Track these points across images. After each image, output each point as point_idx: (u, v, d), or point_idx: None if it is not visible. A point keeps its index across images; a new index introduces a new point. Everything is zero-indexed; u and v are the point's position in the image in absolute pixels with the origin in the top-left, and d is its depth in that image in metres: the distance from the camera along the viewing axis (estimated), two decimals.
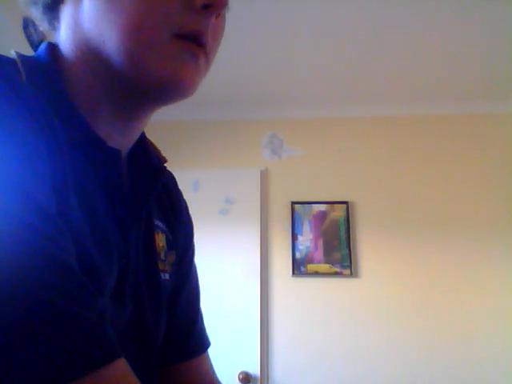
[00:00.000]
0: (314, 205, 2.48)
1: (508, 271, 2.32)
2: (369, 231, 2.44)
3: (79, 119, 0.42)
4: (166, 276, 0.55)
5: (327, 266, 2.39)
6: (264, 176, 2.57)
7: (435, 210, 2.44)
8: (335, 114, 2.64)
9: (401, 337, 2.28)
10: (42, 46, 0.47)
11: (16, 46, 0.45)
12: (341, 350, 2.29)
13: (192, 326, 0.62)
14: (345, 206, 2.46)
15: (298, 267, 2.40)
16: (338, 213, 2.46)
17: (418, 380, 2.23)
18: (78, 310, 0.28)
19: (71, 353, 0.27)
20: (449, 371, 2.22)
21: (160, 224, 0.56)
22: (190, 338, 0.61)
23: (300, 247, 2.43)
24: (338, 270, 2.38)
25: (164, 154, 0.58)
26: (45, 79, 0.43)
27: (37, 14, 0.47)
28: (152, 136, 0.58)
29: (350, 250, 2.39)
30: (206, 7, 0.42)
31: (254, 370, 2.26)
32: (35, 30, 0.50)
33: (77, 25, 0.44)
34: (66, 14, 0.45)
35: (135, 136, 0.50)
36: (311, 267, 2.39)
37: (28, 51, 0.47)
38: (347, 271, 2.37)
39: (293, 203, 2.49)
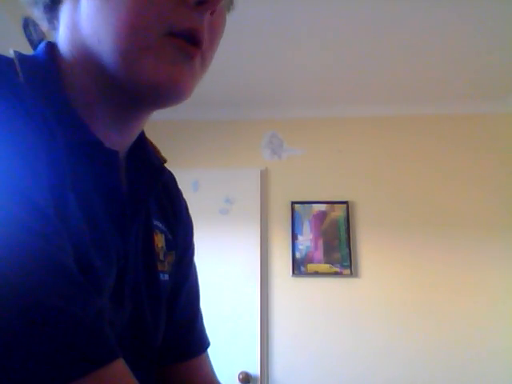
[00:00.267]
0: (313, 205, 2.48)
1: (508, 271, 2.32)
2: (369, 231, 2.44)
3: (76, 120, 0.42)
4: (166, 276, 0.55)
5: (327, 265, 2.39)
6: (264, 176, 2.57)
7: (435, 209, 2.44)
8: (335, 114, 2.64)
9: (401, 337, 2.28)
10: (41, 46, 0.46)
11: (16, 46, 0.45)
12: (341, 350, 2.29)
13: (191, 326, 0.62)
14: (345, 206, 2.46)
15: (298, 267, 2.40)
16: (338, 213, 2.46)
17: (418, 380, 2.23)
18: (77, 311, 0.28)
19: (70, 353, 0.27)
20: (449, 371, 2.22)
21: (159, 224, 0.56)
22: (189, 338, 0.61)
23: (300, 247, 2.43)
24: (338, 269, 2.38)
25: (164, 154, 0.58)
26: (43, 79, 0.42)
27: (38, 14, 0.47)
28: (152, 136, 0.58)
29: (350, 250, 2.39)
30: (199, 3, 0.41)
31: (254, 370, 2.26)
32: (35, 29, 0.50)
33: (74, 24, 0.43)
34: (64, 13, 0.45)
35: (133, 136, 0.50)
36: (311, 267, 2.39)
37: (28, 51, 0.47)
38: (347, 271, 2.37)
39: (293, 203, 2.49)
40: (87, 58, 0.43)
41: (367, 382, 2.24)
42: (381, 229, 2.44)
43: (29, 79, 0.40)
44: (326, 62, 2.21)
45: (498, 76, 2.31)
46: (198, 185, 2.52)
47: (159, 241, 0.55)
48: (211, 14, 0.42)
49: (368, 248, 2.42)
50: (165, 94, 0.42)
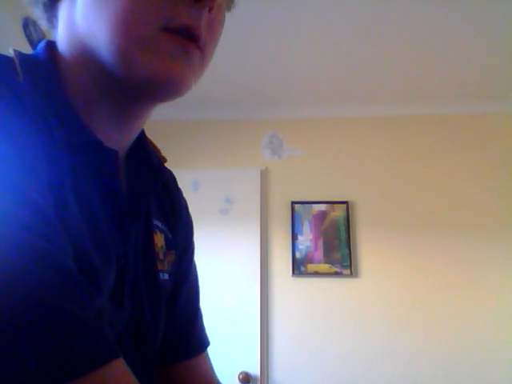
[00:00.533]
0: (313, 205, 2.48)
1: (508, 271, 2.32)
2: (369, 231, 2.44)
3: (76, 119, 0.42)
4: (165, 276, 0.55)
5: (327, 265, 2.39)
6: (264, 176, 2.57)
7: (435, 209, 2.44)
8: (335, 114, 2.64)
9: (400, 336, 2.28)
10: (41, 45, 0.46)
11: (16, 46, 0.45)
12: (341, 350, 2.29)
13: (191, 325, 0.62)
14: (345, 206, 2.46)
15: (298, 267, 2.40)
16: (338, 213, 2.46)
17: (418, 379, 2.23)
18: (76, 311, 0.28)
19: (69, 353, 0.27)
20: (449, 371, 2.22)
21: (159, 224, 0.56)
22: (189, 337, 0.61)
23: (300, 247, 2.43)
24: (337, 270, 2.38)
25: (164, 153, 0.58)
26: (42, 78, 0.42)
27: (38, 13, 0.47)
28: (152, 136, 0.58)
29: (349, 250, 2.39)
30: (197, 0, 0.41)
31: (254, 370, 2.25)
32: (35, 29, 0.50)
33: (71, 22, 0.43)
34: (63, 11, 0.45)
35: (133, 135, 0.50)
36: (311, 267, 2.39)
37: (28, 50, 0.47)
38: (347, 271, 2.37)
39: (293, 203, 2.49)
40: (85, 56, 0.43)
41: (367, 381, 2.24)
42: (381, 229, 2.44)
43: (29, 79, 0.40)
44: (326, 62, 2.21)
45: (498, 76, 2.31)
46: (198, 185, 2.52)
47: (159, 240, 0.55)
48: (209, 10, 0.42)
49: (368, 248, 2.42)
50: (162, 88, 0.42)
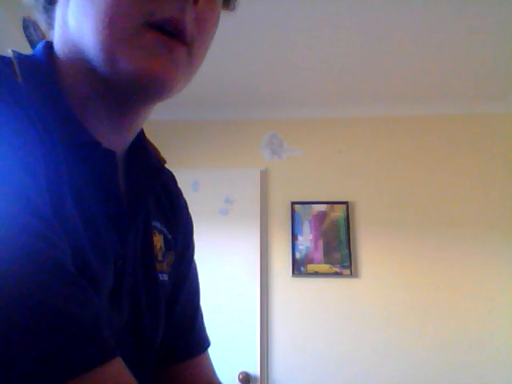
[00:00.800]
0: (313, 205, 2.48)
1: (509, 271, 2.32)
2: (369, 231, 2.44)
3: (74, 120, 0.42)
4: (165, 277, 0.54)
5: (327, 266, 2.39)
6: (264, 176, 2.57)
7: (435, 209, 2.44)
8: (335, 114, 2.64)
9: (400, 337, 2.28)
10: (39, 45, 0.47)
11: (16, 46, 0.45)
12: (341, 350, 2.29)
13: (191, 326, 0.61)
14: (345, 206, 2.46)
15: (298, 267, 2.40)
16: (338, 213, 2.46)
17: (418, 379, 2.22)
18: (74, 310, 0.29)
19: (67, 352, 0.27)
20: (449, 371, 2.22)
21: (158, 225, 0.56)
22: (189, 338, 0.61)
23: (300, 247, 2.43)
24: (337, 270, 2.38)
25: (164, 154, 0.58)
26: (40, 79, 0.42)
27: (37, 14, 0.47)
28: (152, 136, 0.58)
29: (349, 250, 2.39)
30: None
31: (254, 370, 2.25)
32: (35, 30, 0.50)
33: (65, 22, 0.44)
34: (58, 12, 0.45)
35: (130, 136, 0.50)
36: (311, 267, 2.39)
37: (28, 50, 0.47)
38: (347, 271, 2.37)
39: (293, 203, 2.49)
40: (76, 55, 0.43)
41: (367, 381, 2.24)
42: (381, 229, 2.44)
43: (27, 80, 0.40)
44: (326, 62, 2.21)
45: (497, 76, 2.31)
46: (198, 185, 2.52)
47: (158, 241, 0.54)
48: (194, 3, 0.41)
49: (368, 248, 2.42)
50: (146, 86, 0.41)
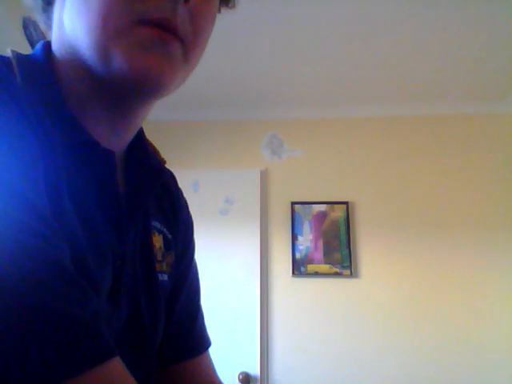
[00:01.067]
0: (313, 205, 2.48)
1: (508, 272, 2.32)
2: (369, 231, 2.44)
3: (72, 120, 0.42)
4: (164, 277, 0.54)
5: (327, 266, 2.39)
6: (264, 176, 2.57)
7: (435, 210, 2.44)
8: (335, 114, 2.64)
9: (400, 337, 2.28)
10: (38, 45, 0.47)
11: (15, 46, 0.45)
12: (341, 350, 2.29)
13: (192, 326, 0.61)
14: (345, 206, 2.46)
15: (298, 267, 2.40)
16: (338, 213, 2.46)
17: (418, 379, 2.22)
18: (72, 310, 0.29)
19: (66, 352, 0.27)
20: (449, 371, 2.22)
21: (157, 225, 0.55)
22: (189, 337, 0.61)
23: (300, 247, 2.43)
24: (337, 270, 2.37)
25: (164, 154, 0.58)
26: (39, 79, 0.42)
27: (36, 15, 0.47)
28: (152, 136, 0.58)
29: (349, 251, 2.39)
30: None
31: (254, 370, 2.25)
32: (35, 30, 0.50)
33: (61, 23, 0.44)
34: (55, 12, 0.45)
35: (129, 136, 0.50)
36: (311, 267, 2.39)
37: (28, 50, 0.48)
38: (347, 271, 2.36)
39: (293, 203, 2.49)
40: (72, 56, 0.43)
41: (367, 381, 2.24)
42: (381, 229, 2.44)
43: (26, 80, 0.40)
44: (326, 62, 2.21)
45: (497, 76, 2.31)
46: (198, 185, 2.52)
47: (157, 241, 0.54)
48: (186, 1, 0.40)
49: (368, 248, 2.41)
50: (141, 83, 0.40)
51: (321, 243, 2.43)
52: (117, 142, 0.48)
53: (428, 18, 1.87)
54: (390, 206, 2.47)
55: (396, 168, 2.53)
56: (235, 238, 2.44)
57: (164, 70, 0.40)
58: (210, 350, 0.63)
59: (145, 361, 0.50)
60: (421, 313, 2.30)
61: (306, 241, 2.44)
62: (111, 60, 0.39)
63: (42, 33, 0.50)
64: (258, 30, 1.96)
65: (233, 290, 2.36)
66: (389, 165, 2.54)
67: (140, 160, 0.52)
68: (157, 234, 0.55)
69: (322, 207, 2.48)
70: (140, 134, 0.53)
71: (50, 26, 0.47)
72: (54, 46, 0.45)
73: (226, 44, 1.98)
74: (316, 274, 2.39)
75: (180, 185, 0.65)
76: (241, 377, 2.22)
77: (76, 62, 0.43)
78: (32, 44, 0.50)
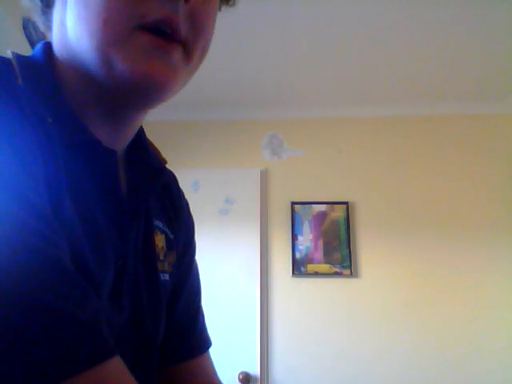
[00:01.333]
0: (313, 205, 2.48)
1: (508, 272, 2.32)
2: (369, 231, 2.44)
3: (74, 120, 0.42)
4: (166, 276, 0.54)
5: (327, 266, 2.39)
6: (264, 176, 2.57)
7: (435, 210, 2.44)
8: (335, 115, 2.64)
9: (400, 337, 2.28)
10: (38, 46, 0.47)
11: (15, 46, 0.45)
12: (341, 350, 2.29)
13: (192, 326, 0.61)
14: (345, 206, 2.46)
15: (298, 267, 2.40)
16: (338, 213, 2.46)
17: (418, 379, 2.22)
18: (72, 310, 0.29)
19: (66, 351, 0.27)
20: (448, 371, 2.22)
21: (160, 224, 0.56)
22: (190, 338, 0.61)
23: (300, 247, 2.43)
24: (337, 270, 2.38)
25: (164, 154, 0.58)
26: (40, 80, 0.42)
27: (36, 16, 0.47)
28: (152, 136, 0.58)
29: (349, 251, 2.39)
30: None
31: (254, 370, 2.25)
32: (35, 30, 0.50)
33: (62, 24, 0.43)
34: (56, 14, 0.45)
35: (129, 136, 0.50)
36: (311, 267, 2.39)
37: (28, 50, 0.47)
38: (347, 271, 2.37)
39: (293, 203, 2.49)
40: (73, 58, 0.43)
41: (367, 381, 2.24)
42: (381, 229, 2.44)
43: (27, 81, 0.40)
44: (326, 62, 2.21)
45: (497, 76, 2.31)
46: (198, 185, 2.52)
47: (159, 241, 0.54)
48: (186, 1, 0.40)
49: (368, 248, 2.42)
50: (143, 90, 0.40)
51: (321, 243, 2.43)
52: (117, 142, 0.48)
53: (428, 18, 1.87)
54: (390, 205, 2.47)
55: (396, 168, 2.53)
56: (235, 238, 2.44)
57: (168, 75, 0.40)
58: (210, 349, 0.63)
59: (146, 360, 0.50)
60: (421, 313, 2.30)
61: (306, 241, 2.44)
62: (113, 65, 0.39)
63: (42, 33, 0.50)
64: (258, 30, 1.96)
65: (233, 290, 2.36)
66: (389, 165, 2.54)
67: (141, 160, 0.52)
68: (159, 233, 0.55)
69: (322, 207, 2.48)
70: (141, 135, 0.53)
71: (49, 28, 0.47)
72: (56, 48, 0.45)
73: (226, 44, 1.98)
74: (316, 274, 2.39)
75: (180, 185, 0.65)
76: (241, 376, 2.22)
77: (77, 65, 0.43)
78: (32, 44, 0.50)
